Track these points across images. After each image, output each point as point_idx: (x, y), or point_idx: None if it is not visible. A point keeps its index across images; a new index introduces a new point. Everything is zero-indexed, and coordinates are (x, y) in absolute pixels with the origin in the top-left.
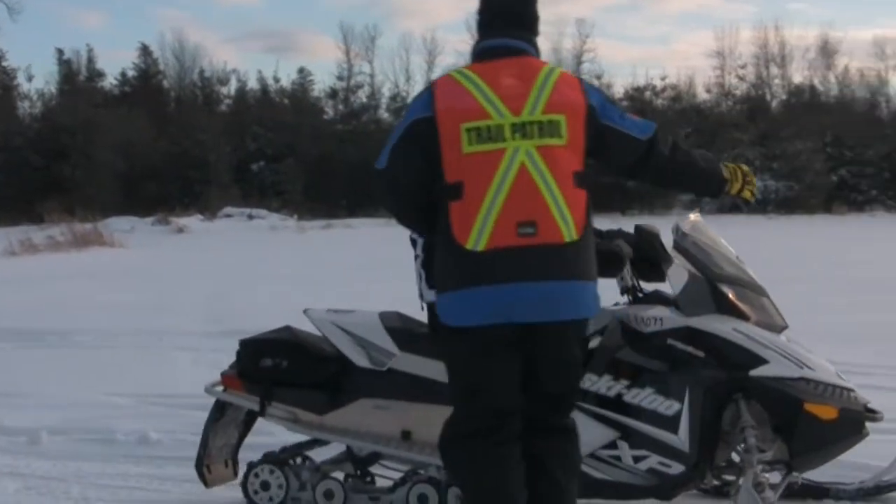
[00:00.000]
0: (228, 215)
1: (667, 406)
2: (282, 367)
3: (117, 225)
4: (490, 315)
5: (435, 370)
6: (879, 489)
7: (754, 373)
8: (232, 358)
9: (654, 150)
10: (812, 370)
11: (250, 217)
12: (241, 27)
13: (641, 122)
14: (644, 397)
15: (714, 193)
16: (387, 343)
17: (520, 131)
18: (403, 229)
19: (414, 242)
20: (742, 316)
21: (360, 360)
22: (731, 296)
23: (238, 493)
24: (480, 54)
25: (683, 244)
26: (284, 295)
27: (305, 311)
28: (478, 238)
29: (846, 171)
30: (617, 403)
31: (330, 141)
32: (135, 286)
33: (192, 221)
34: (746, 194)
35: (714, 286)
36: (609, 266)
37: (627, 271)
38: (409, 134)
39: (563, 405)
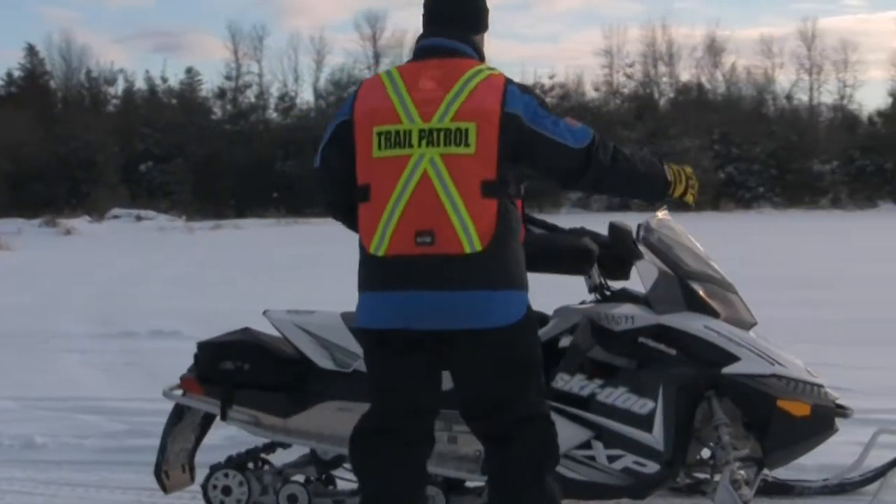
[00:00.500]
0: (116, 216)
1: (640, 405)
2: (243, 370)
3: (3, 227)
4: (389, 320)
5: None
6: (844, 487)
7: (727, 370)
8: (119, 359)
9: (592, 160)
10: (783, 367)
11: (139, 218)
12: (129, 27)
13: (578, 129)
14: (617, 396)
15: (657, 198)
16: (351, 344)
17: (427, 138)
18: (292, 231)
19: None
20: (712, 313)
21: (323, 361)
22: (701, 293)
23: (128, 497)
24: (415, 53)
25: (652, 241)
26: (173, 296)
27: (265, 313)
28: (379, 244)
29: (733, 169)
30: (590, 403)
31: (218, 141)
32: (21, 288)
33: (80, 223)
34: (689, 198)
35: (684, 283)
36: (578, 263)
37: (595, 269)
38: (334, 135)
39: (491, 418)
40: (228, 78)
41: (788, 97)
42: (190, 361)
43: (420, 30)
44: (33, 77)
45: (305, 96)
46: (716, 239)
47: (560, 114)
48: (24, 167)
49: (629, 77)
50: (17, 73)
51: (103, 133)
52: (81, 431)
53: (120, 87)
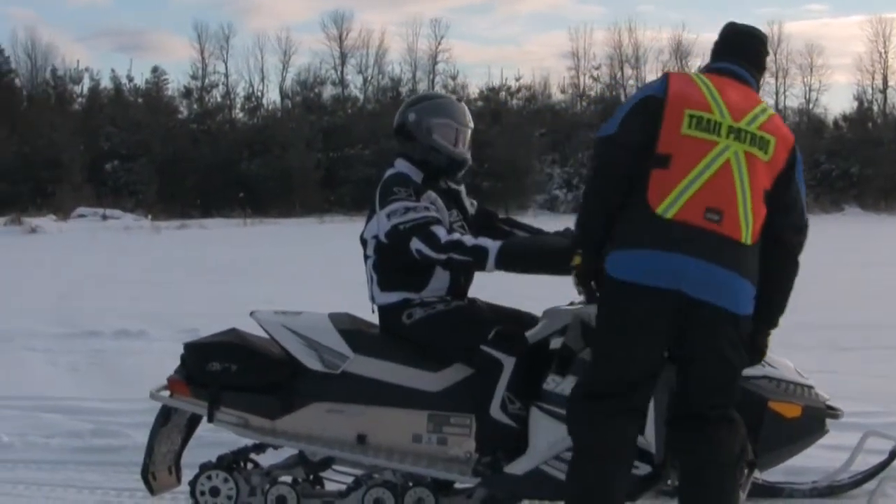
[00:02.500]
0: (82, 215)
1: None
2: (230, 371)
3: None
4: (658, 277)
5: (389, 373)
6: (832, 489)
7: None
8: (85, 359)
9: (800, 238)
10: (774, 368)
11: (104, 217)
12: (92, 26)
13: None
14: None
15: (761, 326)
16: (340, 345)
17: (735, 134)
18: (258, 231)
19: (364, 242)
20: None
21: (312, 363)
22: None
23: (95, 496)
24: (710, 70)
25: None
26: (139, 297)
27: (252, 314)
28: (669, 206)
29: None
30: None
31: (184, 140)
32: None
33: (46, 222)
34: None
35: None
36: (565, 263)
37: None
38: (640, 106)
39: (721, 397)
40: (194, 77)
41: None
42: (156, 362)
43: None
44: None
45: (272, 96)
46: None
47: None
48: None
49: (595, 79)
50: None
51: (69, 132)
52: (47, 431)
53: (86, 85)
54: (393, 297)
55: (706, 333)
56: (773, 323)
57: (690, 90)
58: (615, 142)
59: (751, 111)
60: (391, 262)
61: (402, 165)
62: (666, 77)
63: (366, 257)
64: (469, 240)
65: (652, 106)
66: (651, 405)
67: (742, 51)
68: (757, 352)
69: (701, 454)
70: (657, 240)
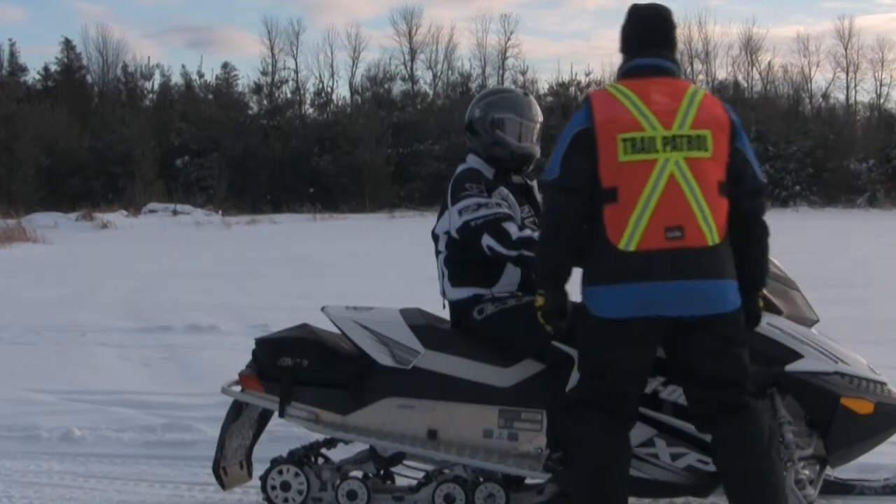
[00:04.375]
0: (153, 211)
1: None
2: (302, 367)
3: (40, 221)
4: (635, 309)
5: (461, 368)
6: None
7: (789, 367)
8: (156, 354)
9: (763, 196)
10: (847, 364)
11: (175, 213)
12: (162, 22)
13: (760, 169)
14: (680, 394)
15: (751, 287)
16: (411, 341)
17: (670, 144)
18: (328, 226)
19: (436, 238)
20: (775, 310)
21: (383, 358)
22: (763, 289)
23: (166, 490)
24: (630, 71)
25: None
26: (210, 291)
27: (323, 309)
28: (629, 239)
29: (770, 167)
30: (653, 400)
31: (254, 136)
32: (58, 282)
33: (117, 217)
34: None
35: None
36: None
37: None
38: (573, 144)
39: (731, 388)
40: (264, 73)
41: (825, 96)
42: (227, 357)
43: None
44: (70, 72)
45: (341, 92)
46: None
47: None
48: (60, 161)
49: None
50: (53, 68)
51: (139, 128)
52: (119, 425)
53: (156, 82)
54: (464, 292)
55: (698, 343)
56: (758, 286)
57: (616, 111)
58: (560, 187)
59: (680, 109)
60: (462, 258)
61: (473, 161)
62: (588, 104)
63: (437, 252)
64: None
65: (584, 141)
66: None
67: (655, 38)
68: (752, 318)
69: (726, 448)
70: (627, 273)
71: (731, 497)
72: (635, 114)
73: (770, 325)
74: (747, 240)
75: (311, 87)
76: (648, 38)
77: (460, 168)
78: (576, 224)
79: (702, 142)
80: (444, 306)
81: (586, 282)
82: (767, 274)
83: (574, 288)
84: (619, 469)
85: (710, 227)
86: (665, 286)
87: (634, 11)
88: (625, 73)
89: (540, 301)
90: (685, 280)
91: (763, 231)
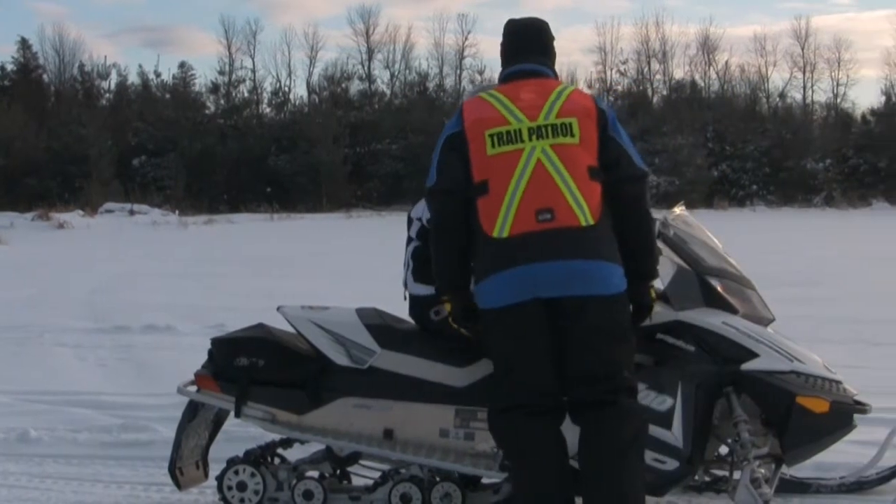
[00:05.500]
0: (110, 211)
1: (659, 401)
2: (258, 366)
3: None
4: (517, 294)
5: (417, 368)
6: (861, 485)
7: (746, 366)
8: (113, 354)
9: (645, 184)
10: (802, 363)
11: (132, 212)
12: (119, 22)
13: (640, 157)
14: None
15: (641, 276)
16: (367, 340)
17: (536, 133)
18: (285, 226)
19: (410, 221)
20: (731, 309)
21: (339, 358)
22: (719, 288)
23: (122, 491)
24: (504, 78)
25: (668, 236)
26: (167, 291)
27: (279, 309)
28: (502, 226)
29: (727, 166)
30: None
31: (212, 136)
32: (15, 282)
33: (74, 217)
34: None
35: (702, 279)
36: None
37: None
38: (446, 148)
39: (599, 384)
40: (221, 73)
41: (782, 95)
42: (184, 357)
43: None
44: (26, 71)
45: (299, 91)
46: None
47: None
48: (16, 161)
49: (623, 74)
50: (9, 67)
51: (96, 127)
52: (75, 425)
53: (113, 81)
54: (424, 289)
55: (571, 325)
56: (647, 276)
57: (484, 112)
58: (438, 191)
59: (546, 103)
60: (430, 254)
61: None
62: (460, 110)
63: (408, 239)
64: None
65: (455, 143)
66: (679, 401)
67: (528, 47)
68: (641, 308)
69: (588, 439)
70: (502, 261)
71: (583, 496)
72: (502, 111)
73: (726, 324)
74: (630, 227)
75: (268, 86)
76: (522, 47)
77: None
78: (457, 226)
79: (567, 128)
80: (404, 297)
81: (475, 280)
82: (657, 263)
83: None
84: (553, 468)
85: (581, 208)
86: (542, 267)
87: (509, 25)
88: (500, 81)
89: (448, 307)
90: (562, 260)
91: (644, 219)
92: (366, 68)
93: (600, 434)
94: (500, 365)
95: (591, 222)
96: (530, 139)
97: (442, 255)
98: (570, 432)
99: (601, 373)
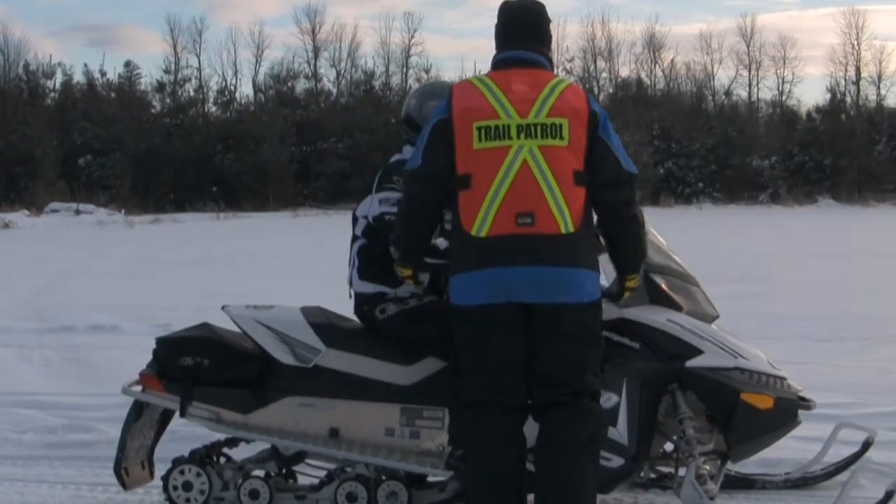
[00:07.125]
0: (55, 210)
1: (604, 399)
2: (203, 366)
3: None
4: (490, 295)
5: (362, 366)
6: (805, 481)
7: (690, 363)
8: (58, 354)
9: (632, 188)
10: (746, 360)
11: (77, 212)
12: (63, 20)
13: (629, 160)
14: None
15: (628, 269)
16: (312, 339)
17: (525, 131)
18: (231, 225)
19: (355, 220)
20: (675, 306)
21: (284, 357)
22: (663, 286)
23: (67, 491)
24: (497, 64)
25: None
26: (112, 291)
27: (224, 308)
28: (481, 226)
29: (673, 164)
30: None
31: (158, 135)
32: None
33: (18, 217)
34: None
35: (647, 276)
36: None
37: None
38: (433, 134)
39: (564, 388)
40: (167, 71)
41: (727, 93)
42: (129, 357)
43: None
44: None
45: (245, 90)
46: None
47: None
48: None
49: (569, 72)
50: None
51: (41, 127)
52: (20, 426)
53: (58, 80)
54: (370, 287)
55: (544, 331)
56: (628, 270)
57: (474, 101)
58: (419, 176)
59: (538, 98)
60: (375, 253)
61: (409, 153)
62: (450, 94)
63: (353, 238)
64: (442, 243)
65: (442, 130)
66: (623, 398)
67: (523, 32)
68: (621, 293)
69: (546, 439)
70: (479, 260)
71: (536, 494)
72: (492, 102)
73: (670, 321)
74: (617, 231)
75: (214, 85)
76: (517, 32)
77: (395, 158)
78: (431, 214)
79: (557, 129)
80: (350, 295)
81: (450, 273)
82: (641, 260)
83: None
84: (510, 466)
85: (563, 214)
86: (516, 271)
87: (504, 7)
88: (493, 66)
89: (405, 272)
90: (537, 266)
91: (633, 222)
92: (312, 67)
93: (558, 434)
94: (466, 362)
95: (572, 230)
96: (518, 137)
97: (409, 234)
98: (530, 432)
99: (568, 377)
